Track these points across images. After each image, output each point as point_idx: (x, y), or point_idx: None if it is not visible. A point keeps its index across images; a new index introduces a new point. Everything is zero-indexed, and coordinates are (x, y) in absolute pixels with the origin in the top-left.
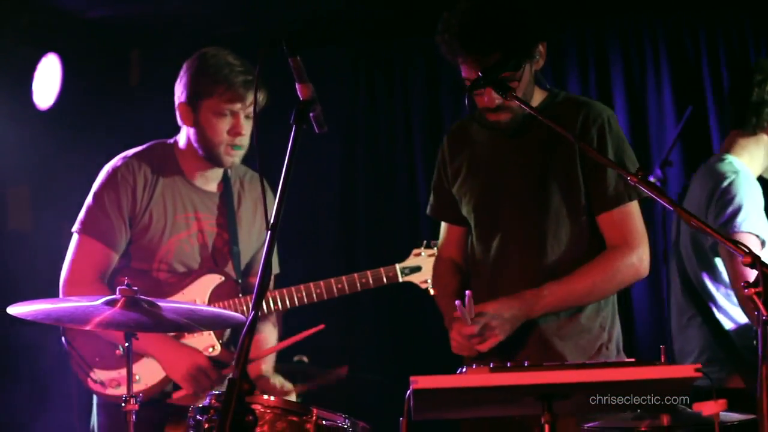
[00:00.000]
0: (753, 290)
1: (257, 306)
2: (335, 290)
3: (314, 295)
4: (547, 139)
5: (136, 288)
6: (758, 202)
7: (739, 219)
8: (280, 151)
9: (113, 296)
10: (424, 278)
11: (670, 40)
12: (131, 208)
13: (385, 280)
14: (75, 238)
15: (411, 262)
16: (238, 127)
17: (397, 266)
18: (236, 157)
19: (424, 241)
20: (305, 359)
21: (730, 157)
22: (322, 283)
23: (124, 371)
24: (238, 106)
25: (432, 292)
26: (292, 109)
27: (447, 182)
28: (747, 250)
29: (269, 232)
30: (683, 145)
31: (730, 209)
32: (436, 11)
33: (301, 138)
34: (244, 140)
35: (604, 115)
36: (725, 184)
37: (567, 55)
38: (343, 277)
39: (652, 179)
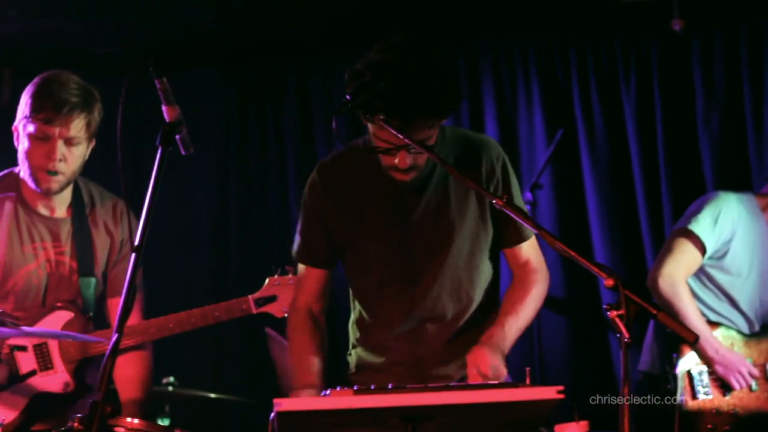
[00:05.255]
0: (615, 312)
1: (120, 328)
2: (188, 324)
3: (167, 330)
4: (453, 183)
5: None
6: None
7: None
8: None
9: None
10: (280, 308)
11: (540, 62)
12: None
13: (239, 312)
14: None
15: (266, 291)
16: (52, 153)
17: (251, 297)
18: (53, 183)
19: (279, 269)
20: (173, 380)
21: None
22: (173, 316)
23: None
24: (54, 129)
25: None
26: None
27: (320, 224)
28: (609, 273)
29: (134, 254)
30: (554, 167)
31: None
32: (308, 34)
33: (167, 159)
34: (62, 166)
35: (501, 152)
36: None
37: None
38: (196, 310)
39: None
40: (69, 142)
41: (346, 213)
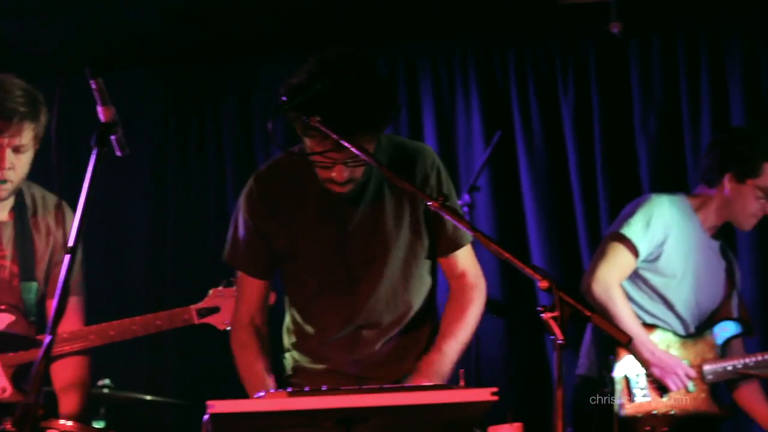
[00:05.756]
0: (549, 314)
1: (53, 329)
2: (130, 332)
3: (108, 337)
4: (389, 193)
5: None
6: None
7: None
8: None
9: None
10: (222, 319)
11: (479, 63)
12: None
13: (180, 322)
14: None
15: (209, 302)
16: (0, 161)
17: (193, 308)
18: (2, 191)
19: (224, 280)
20: (109, 382)
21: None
22: (115, 323)
23: None
24: (3, 140)
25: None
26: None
27: (258, 234)
28: (543, 275)
29: (68, 255)
30: (491, 169)
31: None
32: (248, 35)
33: (102, 161)
34: (11, 174)
35: (436, 159)
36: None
37: None
38: (138, 318)
39: (460, 203)
40: (17, 149)
41: (283, 223)
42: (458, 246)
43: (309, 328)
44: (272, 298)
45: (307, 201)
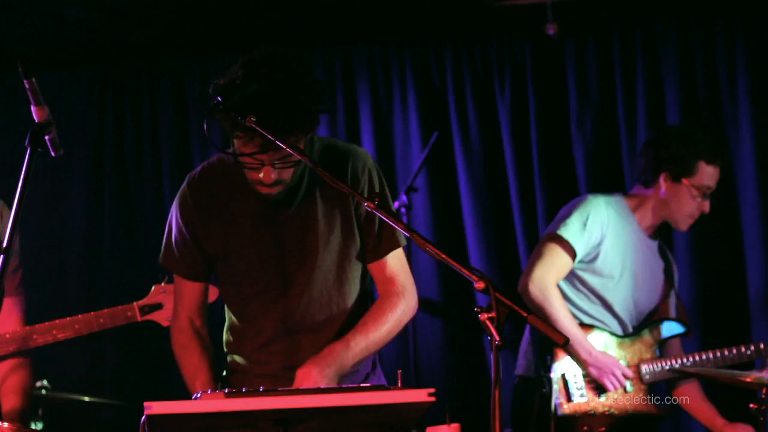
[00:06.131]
0: (486, 315)
1: None
2: (72, 330)
3: (51, 336)
4: (320, 196)
5: None
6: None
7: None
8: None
9: None
10: (166, 316)
11: (416, 64)
12: None
13: (123, 319)
14: None
15: (152, 299)
16: None
17: (136, 305)
18: None
19: (166, 276)
20: (46, 384)
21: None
22: (57, 322)
23: None
24: None
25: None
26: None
27: (192, 238)
28: (480, 275)
29: (1, 255)
30: (429, 170)
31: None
32: (185, 31)
33: (35, 161)
34: None
35: (369, 160)
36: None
37: None
38: (80, 316)
39: (397, 204)
40: None
41: (216, 225)
42: (386, 251)
43: (244, 330)
44: (213, 295)
45: (240, 204)
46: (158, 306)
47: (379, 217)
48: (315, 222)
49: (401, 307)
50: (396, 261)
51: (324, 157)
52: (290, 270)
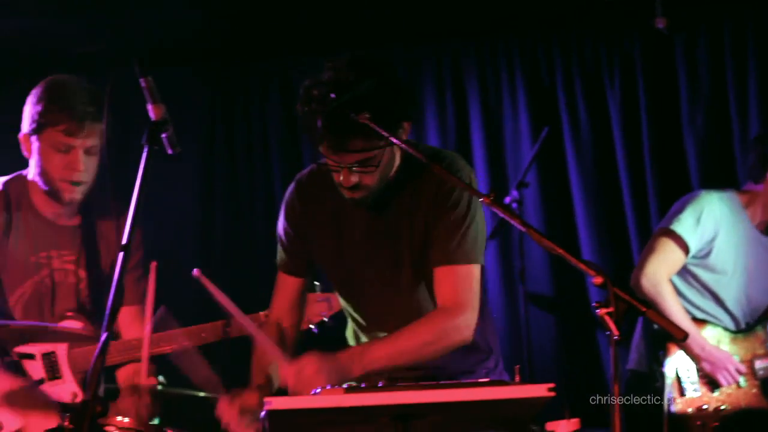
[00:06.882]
0: (604, 310)
1: (110, 326)
2: (199, 338)
3: (177, 344)
4: (408, 206)
5: None
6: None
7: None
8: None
9: None
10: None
11: (525, 59)
12: None
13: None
14: None
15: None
16: (74, 163)
17: (263, 315)
18: (76, 193)
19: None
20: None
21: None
22: (184, 330)
23: None
24: (76, 140)
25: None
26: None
27: (297, 236)
28: (598, 270)
29: (121, 253)
30: (539, 166)
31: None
32: (293, 34)
33: (153, 159)
34: (84, 176)
35: (469, 168)
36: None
37: (424, 78)
38: (208, 324)
39: (508, 200)
40: (89, 151)
41: (320, 226)
42: (444, 262)
43: (361, 330)
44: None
45: (345, 206)
46: None
47: (453, 230)
48: (396, 237)
49: (448, 324)
50: (466, 273)
51: (422, 168)
52: (372, 287)
